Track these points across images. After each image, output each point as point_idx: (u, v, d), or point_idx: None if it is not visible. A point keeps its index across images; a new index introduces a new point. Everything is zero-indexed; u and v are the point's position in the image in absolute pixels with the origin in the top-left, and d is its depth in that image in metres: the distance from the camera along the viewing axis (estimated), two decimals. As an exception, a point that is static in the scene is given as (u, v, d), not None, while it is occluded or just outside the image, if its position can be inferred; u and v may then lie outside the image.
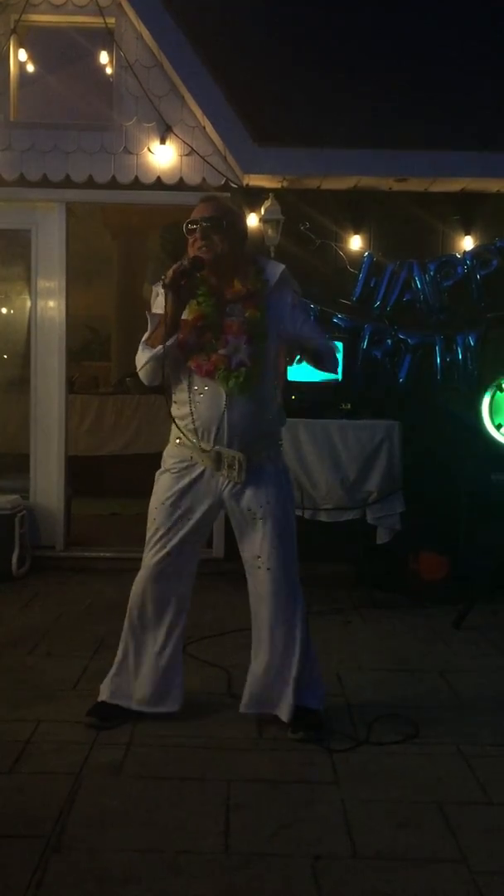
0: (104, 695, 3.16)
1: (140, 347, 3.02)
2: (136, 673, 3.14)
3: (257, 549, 3.04)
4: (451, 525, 5.08)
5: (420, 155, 5.15)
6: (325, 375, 5.01)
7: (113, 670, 3.18)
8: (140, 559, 3.10)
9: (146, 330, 3.05)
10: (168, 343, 2.89)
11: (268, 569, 3.03)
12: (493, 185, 5.36)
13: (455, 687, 3.59)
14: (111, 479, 7.59)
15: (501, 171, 5.21)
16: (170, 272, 2.87)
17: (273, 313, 3.00)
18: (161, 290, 2.99)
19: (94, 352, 10.25)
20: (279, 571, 3.02)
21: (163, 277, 2.91)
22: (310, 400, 4.96)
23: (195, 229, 2.97)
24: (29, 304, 5.71)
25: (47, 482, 5.64)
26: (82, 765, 2.80)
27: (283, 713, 3.05)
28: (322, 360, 3.08)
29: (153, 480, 3.15)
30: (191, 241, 2.99)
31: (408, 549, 4.99)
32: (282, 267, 3.07)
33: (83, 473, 6.73)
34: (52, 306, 5.59)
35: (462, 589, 4.65)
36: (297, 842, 2.38)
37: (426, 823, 2.50)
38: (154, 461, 3.21)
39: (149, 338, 3.00)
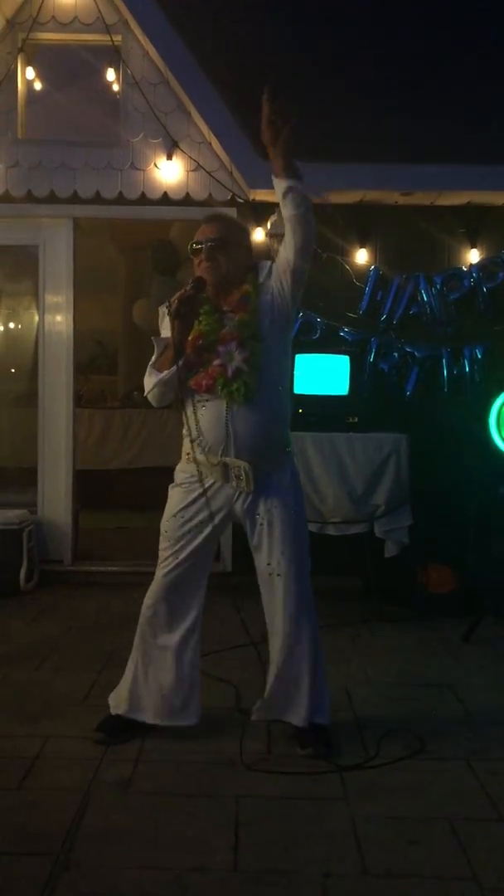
0: (120, 708, 3.14)
1: (147, 371, 3.04)
2: (152, 686, 3.12)
3: (267, 556, 3.04)
4: (459, 538, 5.06)
5: (426, 168, 5.16)
6: (334, 389, 5.04)
7: (126, 684, 3.17)
8: (148, 573, 3.09)
9: (152, 344, 3.07)
10: (175, 368, 2.91)
11: (278, 575, 3.02)
12: (499, 199, 5.37)
13: (465, 701, 3.58)
14: (119, 492, 7.60)
15: (507, 185, 5.23)
16: (174, 300, 2.90)
17: (267, 309, 2.99)
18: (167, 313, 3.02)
19: (101, 366, 10.27)
20: (290, 577, 3.02)
21: (167, 304, 2.93)
22: (317, 413, 4.96)
23: (200, 250, 2.99)
24: (37, 318, 5.74)
25: (55, 496, 5.65)
26: (91, 781, 2.80)
27: (297, 719, 3.04)
28: (298, 221, 2.89)
29: (161, 494, 3.16)
30: (196, 262, 3.01)
31: (416, 562, 4.97)
32: (269, 264, 3.07)
33: (91, 487, 6.74)
34: (60, 321, 5.62)
35: (471, 602, 4.63)
36: (306, 859, 2.37)
37: (436, 840, 2.48)
38: (161, 475, 3.23)
39: (156, 362, 3.02)
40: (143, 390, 3.12)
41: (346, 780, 2.84)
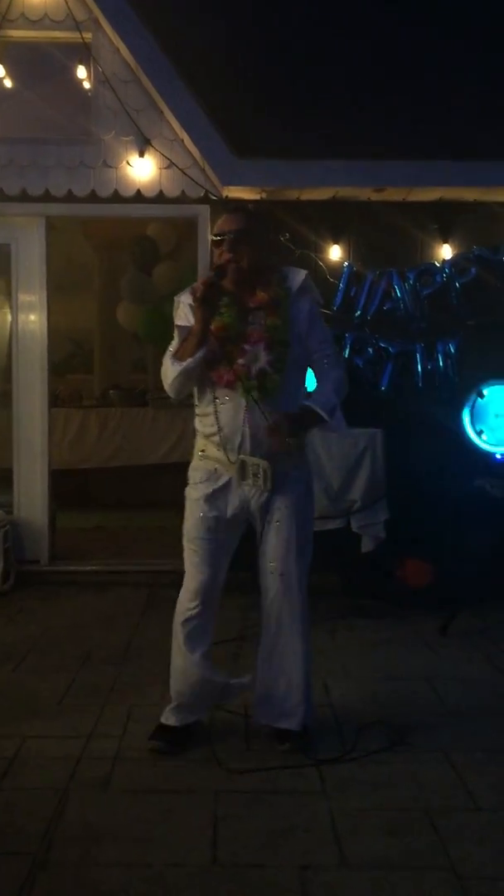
0: (173, 720, 3.07)
1: (168, 362, 2.97)
2: (194, 685, 3.05)
3: (272, 554, 3.03)
4: (435, 532, 5.09)
5: (397, 165, 5.18)
6: (308, 385, 5.06)
7: (175, 689, 3.08)
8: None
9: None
10: (199, 354, 2.87)
11: (280, 574, 3.01)
12: (469, 194, 5.40)
13: (442, 694, 3.60)
14: (95, 492, 7.57)
15: (478, 180, 5.25)
16: (200, 285, 2.87)
17: (296, 320, 3.00)
18: (183, 302, 3.01)
19: (76, 365, 10.22)
20: (291, 577, 3.01)
21: (191, 290, 2.92)
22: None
23: (221, 241, 2.95)
24: (10, 318, 5.70)
25: (31, 496, 5.61)
26: (69, 780, 2.79)
27: (294, 724, 3.03)
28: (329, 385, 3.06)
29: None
30: (217, 253, 2.98)
31: (393, 556, 4.99)
32: (304, 273, 3.07)
33: (67, 487, 6.71)
34: (34, 320, 5.58)
35: (448, 595, 4.66)
36: (285, 852, 2.38)
37: (414, 831, 2.50)
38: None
39: (177, 351, 2.97)
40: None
41: (325, 773, 2.86)
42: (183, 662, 3.02)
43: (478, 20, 5.78)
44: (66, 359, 9.60)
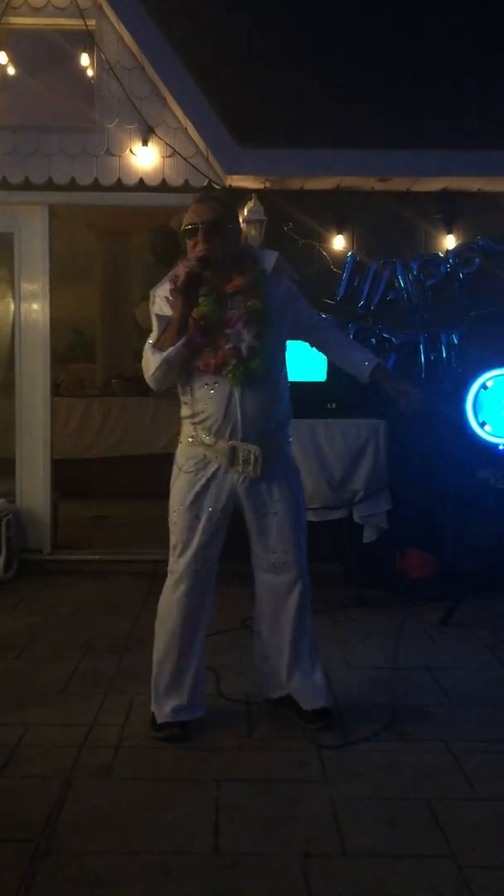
0: (165, 716, 3.05)
1: (149, 352, 2.95)
2: (187, 682, 3.06)
3: (274, 544, 3.03)
4: (437, 522, 5.10)
5: (402, 154, 5.16)
6: (312, 375, 5.06)
7: (165, 685, 3.07)
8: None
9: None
10: (180, 343, 2.86)
11: (284, 563, 3.02)
12: (474, 184, 5.38)
13: (443, 683, 3.61)
14: (98, 481, 7.58)
15: (482, 170, 5.23)
16: (182, 275, 2.85)
17: (274, 301, 3.00)
18: (159, 294, 3.00)
19: (79, 354, 10.21)
20: (297, 565, 3.04)
21: (169, 280, 2.91)
22: (295, 399, 4.93)
23: (194, 231, 2.92)
24: (12, 306, 5.69)
25: (33, 485, 5.62)
26: (71, 768, 2.80)
27: (327, 698, 3.14)
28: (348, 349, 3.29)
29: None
30: (191, 244, 2.95)
31: (395, 547, 5.00)
32: (276, 255, 3.06)
33: (69, 476, 6.71)
34: (36, 309, 5.57)
35: (449, 586, 4.66)
36: (286, 840, 2.39)
37: (415, 820, 2.51)
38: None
39: (157, 341, 2.95)
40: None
41: (326, 761, 2.87)
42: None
43: (484, 9, 5.74)
44: (68, 348, 9.59)
